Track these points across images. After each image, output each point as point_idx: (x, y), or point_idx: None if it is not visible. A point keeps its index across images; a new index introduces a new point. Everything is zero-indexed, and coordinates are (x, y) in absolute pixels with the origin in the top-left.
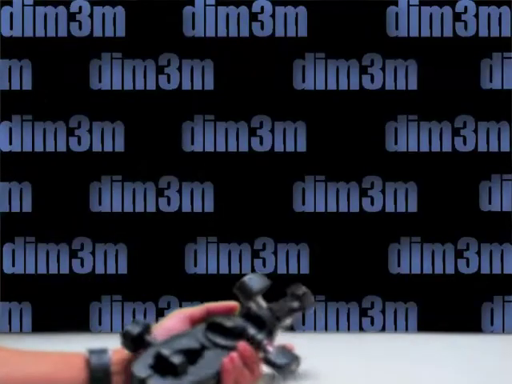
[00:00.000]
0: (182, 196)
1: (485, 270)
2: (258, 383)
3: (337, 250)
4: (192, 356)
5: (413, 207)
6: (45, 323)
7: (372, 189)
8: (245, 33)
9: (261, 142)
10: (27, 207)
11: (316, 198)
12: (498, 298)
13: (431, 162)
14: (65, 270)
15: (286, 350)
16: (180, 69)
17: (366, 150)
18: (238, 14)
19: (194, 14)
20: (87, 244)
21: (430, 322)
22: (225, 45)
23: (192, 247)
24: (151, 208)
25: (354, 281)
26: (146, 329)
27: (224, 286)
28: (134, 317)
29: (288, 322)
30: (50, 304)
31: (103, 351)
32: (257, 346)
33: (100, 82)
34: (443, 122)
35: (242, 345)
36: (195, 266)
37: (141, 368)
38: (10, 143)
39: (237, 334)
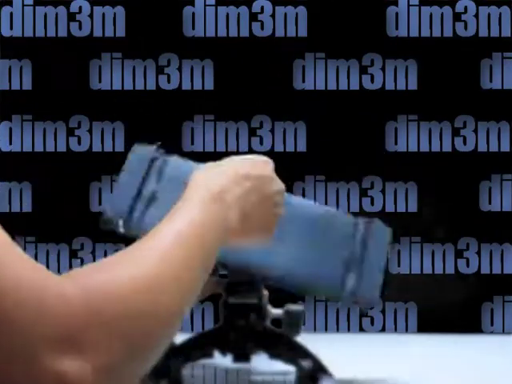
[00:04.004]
0: None
1: (485, 270)
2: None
3: None
4: None
5: (413, 207)
6: None
7: (372, 189)
8: (245, 33)
9: (261, 142)
10: (27, 207)
11: (316, 197)
12: (498, 298)
13: (431, 162)
14: (65, 270)
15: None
16: (180, 69)
17: (366, 149)
18: (238, 14)
19: (193, 14)
20: (87, 244)
21: (429, 322)
22: (225, 45)
23: None
24: None
25: None
26: None
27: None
28: None
29: None
30: None
31: None
32: None
33: (100, 82)
34: (443, 122)
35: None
36: None
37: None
38: (10, 143)
39: None
